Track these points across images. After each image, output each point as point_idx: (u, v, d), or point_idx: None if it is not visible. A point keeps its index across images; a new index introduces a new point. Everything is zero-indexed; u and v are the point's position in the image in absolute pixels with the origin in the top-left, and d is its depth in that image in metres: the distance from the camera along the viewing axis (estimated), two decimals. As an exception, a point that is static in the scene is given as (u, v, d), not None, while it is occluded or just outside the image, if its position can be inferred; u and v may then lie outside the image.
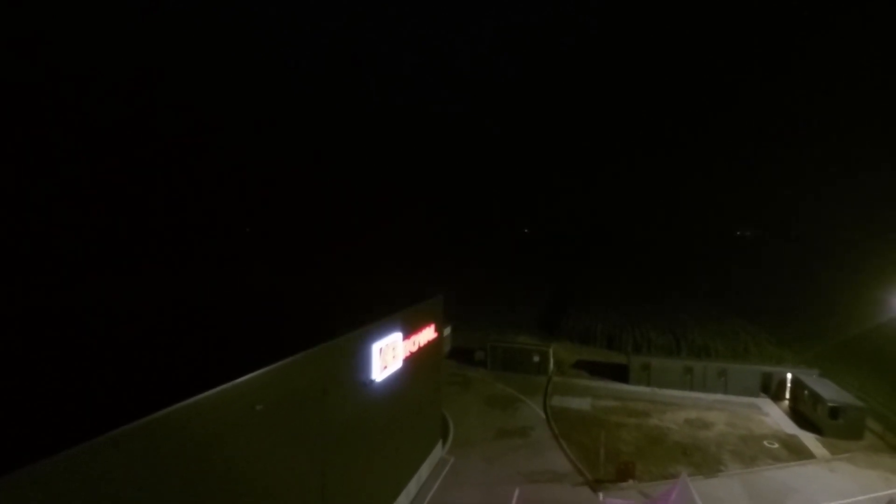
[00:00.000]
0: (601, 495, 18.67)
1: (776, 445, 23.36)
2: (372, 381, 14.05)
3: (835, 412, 24.20)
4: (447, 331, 36.64)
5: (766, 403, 28.68)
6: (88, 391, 9.01)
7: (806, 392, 26.56)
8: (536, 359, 33.89)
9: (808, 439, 24.06)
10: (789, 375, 28.98)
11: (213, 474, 8.68)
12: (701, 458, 21.93)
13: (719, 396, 29.42)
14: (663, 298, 52.19)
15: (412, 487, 17.81)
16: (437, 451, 20.82)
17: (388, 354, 14.86)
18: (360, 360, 13.53)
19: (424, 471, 19.05)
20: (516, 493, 18.37)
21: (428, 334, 19.04)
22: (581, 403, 28.01)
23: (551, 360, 34.15)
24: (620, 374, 32.56)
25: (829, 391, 25.61)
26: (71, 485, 6.35)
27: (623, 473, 19.50)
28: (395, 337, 15.58)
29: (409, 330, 16.86)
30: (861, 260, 51.71)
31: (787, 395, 28.78)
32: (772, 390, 29.57)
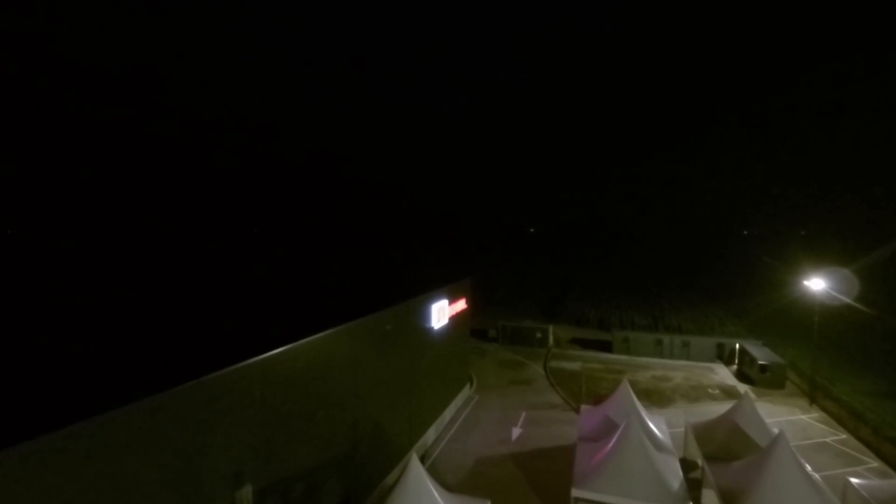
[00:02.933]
0: (582, 416, 26.63)
1: (717, 392, 31.24)
2: (431, 328, 22.12)
3: (763, 368, 32.05)
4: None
5: (718, 367, 36.49)
6: (278, 324, 17.06)
7: (747, 357, 34.38)
8: (539, 335, 41.86)
9: (743, 388, 31.90)
10: (737, 345, 36.79)
11: (361, 375, 16.72)
12: (658, 398, 29.87)
13: (682, 362, 37.29)
14: (648, 288, 60.07)
15: (451, 410, 25.87)
16: (466, 390, 28.92)
17: (440, 312, 22.91)
18: (425, 313, 21.60)
19: (459, 400, 27.15)
20: (523, 414, 26.42)
21: (461, 305, 27.09)
22: (573, 365, 36.00)
23: (551, 336, 42.14)
24: (606, 346, 40.48)
25: (763, 354, 33.42)
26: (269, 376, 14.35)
27: (597, 402, 27.43)
28: (443, 302, 23.63)
29: (451, 299, 24.91)
30: (795, 250, 60.56)
31: (736, 360, 36.60)
32: (724, 357, 37.40)
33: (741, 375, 34.32)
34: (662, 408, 28.18)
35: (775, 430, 17.98)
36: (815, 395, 29.53)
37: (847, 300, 36.22)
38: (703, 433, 19.88)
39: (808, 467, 16.17)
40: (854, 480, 16.82)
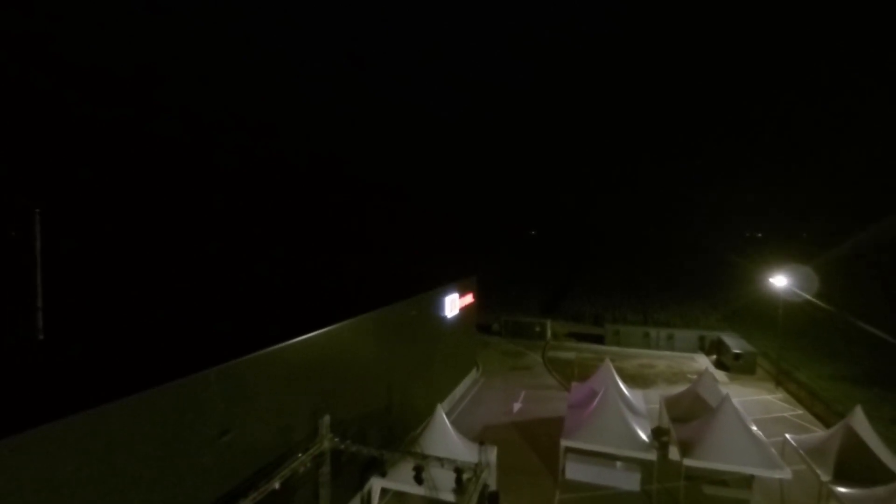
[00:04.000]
0: (574, 396, 30.63)
1: (695, 377, 35.14)
2: (445, 316, 26.21)
3: (737, 356, 36.05)
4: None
5: (699, 357, 40.47)
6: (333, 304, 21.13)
7: (724, 347, 38.37)
8: (538, 329, 45.92)
9: (719, 374, 35.87)
10: (717, 337, 40.78)
11: (392, 350, 20.80)
12: (643, 382, 33.87)
13: (667, 352, 41.28)
14: (641, 287, 64.16)
15: (461, 388, 29.93)
16: (473, 373, 32.99)
17: (452, 303, 27.00)
18: (441, 303, 25.70)
19: (467, 381, 31.23)
20: (523, 393, 30.49)
21: (468, 299, 31.16)
22: (568, 355, 40.05)
23: (549, 330, 46.20)
24: (599, 339, 44.50)
25: (738, 344, 37.42)
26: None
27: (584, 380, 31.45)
28: (454, 295, 27.71)
29: (461, 293, 29.00)
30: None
31: (715, 351, 40.57)
32: (706, 348, 41.40)
33: (719, 363, 38.30)
34: (644, 388, 32.15)
35: (730, 400, 21.99)
36: (780, 378, 33.54)
37: (807, 296, 40.21)
38: (672, 402, 23.94)
39: (754, 427, 20.27)
40: (789, 436, 20.85)
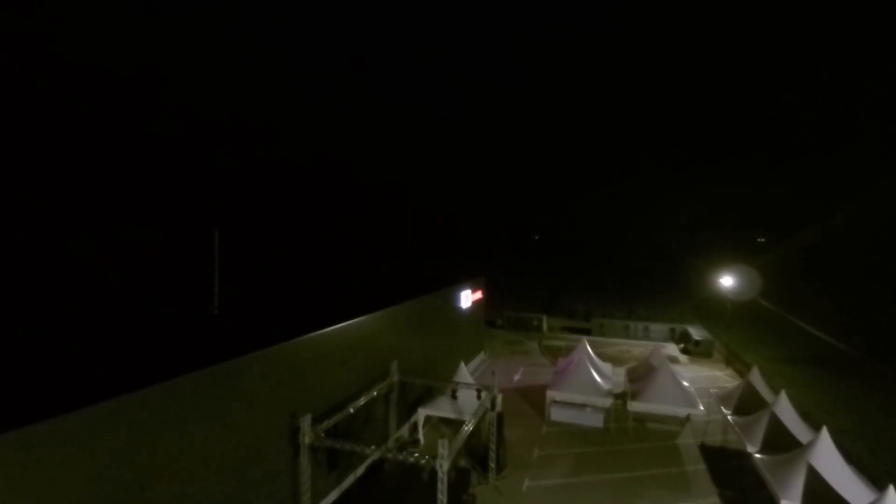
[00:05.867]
0: (562, 372, 38.68)
1: (662, 359, 43.14)
2: (461, 307, 34.38)
3: (697, 343, 44.07)
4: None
5: (669, 345, 48.36)
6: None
7: (688, 335, 46.39)
8: (535, 323, 54.02)
9: (682, 357, 43.89)
10: (684, 328, 48.78)
11: (428, 333, 28.94)
12: (619, 362, 41.79)
13: (643, 342, 49.28)
14: (631, 287, 72.23)
15: (473, 364, 38.01)
16: (482, 355, 41.15)
17: (466, 297, 35.18)
18: (458, 297, 33.86)
19: (477, 360, 39.35)
20: (521, 369, 38.58)
21: (478, 295, 39.36)
22: (559, 343, 48.13)
23: (545, 324, 54.29)
24: (588, 332, 52.57)
25: (699, 333, 45.42)
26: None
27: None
28: (468, 291, 35.90)
29: (472, 290, 37.18)
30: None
31: (682, 340, 48.54)
32: (675, 338, 49.39)
33: (684, 350, 46.29)
34: (616, 367, 40.19)
35: (667, 362, 30.05)
36: (730, 360, 41.52)
37: (751, 294, 48.26)
38: (632, 370, 32.01)
39: (686, 383, 28.35)
40: (712, 390, 28.87)
